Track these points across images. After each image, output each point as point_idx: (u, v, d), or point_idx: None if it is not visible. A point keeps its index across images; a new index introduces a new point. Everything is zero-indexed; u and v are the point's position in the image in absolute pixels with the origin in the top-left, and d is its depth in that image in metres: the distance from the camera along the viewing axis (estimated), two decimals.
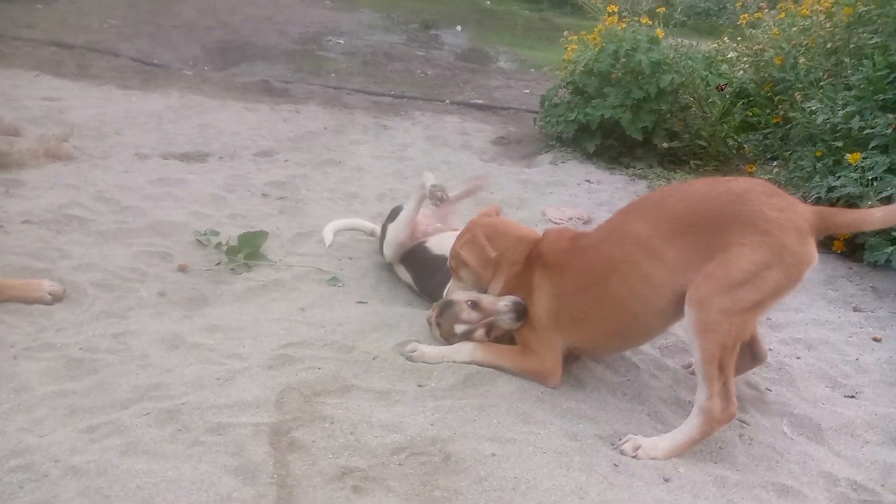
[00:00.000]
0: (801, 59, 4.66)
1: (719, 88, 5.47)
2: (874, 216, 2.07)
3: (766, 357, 2.41)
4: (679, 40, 5.91)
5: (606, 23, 5.58)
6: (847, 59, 4.25)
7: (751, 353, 2.38)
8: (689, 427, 2.13)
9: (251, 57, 8.78)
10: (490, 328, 2.45)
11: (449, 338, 2.51)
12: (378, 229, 3.40)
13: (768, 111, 4.94)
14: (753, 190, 2.11)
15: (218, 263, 3.19)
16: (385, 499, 1.85)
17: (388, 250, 3.12)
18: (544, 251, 2.41)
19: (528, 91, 8.21)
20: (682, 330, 2.90)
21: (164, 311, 2.76)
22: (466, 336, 2.47)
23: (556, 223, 4.09)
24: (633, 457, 2.11)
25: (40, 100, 5.61)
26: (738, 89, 5.28)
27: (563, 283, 2.33)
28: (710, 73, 5.30)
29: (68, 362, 2.35)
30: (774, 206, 2.05)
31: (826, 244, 3.85)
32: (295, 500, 1.82)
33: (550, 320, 2.35)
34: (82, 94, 5.96)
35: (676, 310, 2.17)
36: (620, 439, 2.18)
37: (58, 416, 2.09)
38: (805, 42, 4.80)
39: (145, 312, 2.74)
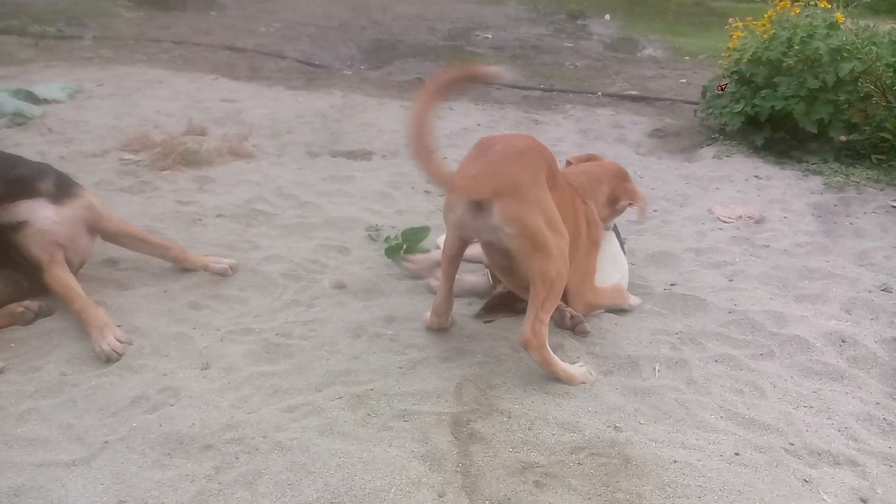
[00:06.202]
0: None
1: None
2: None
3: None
4: (857, 22, 5.43)
5: (778, 7, 5.23)
6: None
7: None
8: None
9: (403, 55, 9.08)
10: None
11: None
12: None
13: None
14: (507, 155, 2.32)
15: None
16: (567, 496, 1.88)
17: None
18: None
19: (684, 81, 7.87)
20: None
21: (344, 301, 2.95)
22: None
23: (724, 222, 3.91)
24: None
25: (220, 101, 6.12)
26: None
27: None
28: None
29: (267, 346, 2.58)
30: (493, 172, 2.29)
31: None
32: (480, 489, 1.90)
33: None
34: (256, 95, 6.43)
35: None
36: (809, 454, 2.09)
37: (262, 395, 2.31)
38: None
39: (329, 301, 2.94)
